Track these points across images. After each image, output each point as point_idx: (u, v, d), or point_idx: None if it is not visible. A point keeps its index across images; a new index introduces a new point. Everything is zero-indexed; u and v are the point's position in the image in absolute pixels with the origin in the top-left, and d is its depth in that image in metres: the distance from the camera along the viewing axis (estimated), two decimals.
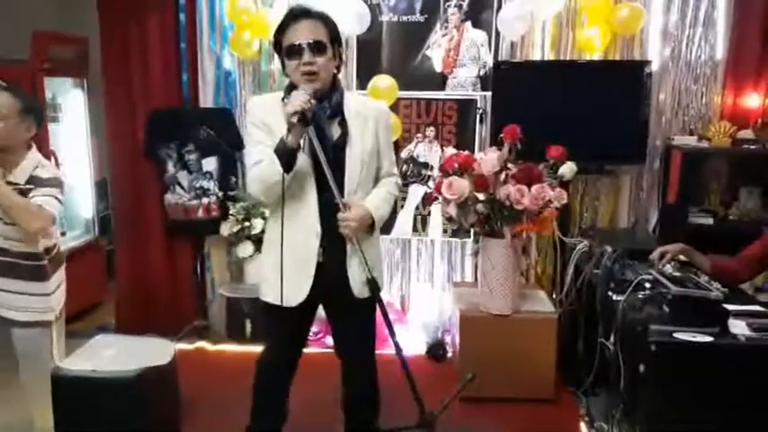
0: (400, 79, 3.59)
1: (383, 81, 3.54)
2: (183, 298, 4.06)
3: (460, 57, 3.66)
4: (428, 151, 3.77)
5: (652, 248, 2.73)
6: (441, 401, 2.24)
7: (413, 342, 3.80)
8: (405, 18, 3.67)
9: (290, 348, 2.32)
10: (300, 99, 1.92)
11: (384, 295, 3.88)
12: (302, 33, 2.02)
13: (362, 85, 3.62)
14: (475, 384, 3.01)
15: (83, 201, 4.65)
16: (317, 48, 2.02)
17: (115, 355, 2.71)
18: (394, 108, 3.61)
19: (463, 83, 3.69)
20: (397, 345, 2.11)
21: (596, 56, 3.55)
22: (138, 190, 3.95)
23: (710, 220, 3.48)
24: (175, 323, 3.93)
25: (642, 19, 3.45)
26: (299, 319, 2.23)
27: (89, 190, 4.65)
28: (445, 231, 3.83)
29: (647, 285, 2.50)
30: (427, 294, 3.93)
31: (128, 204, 4.00)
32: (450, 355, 3.68)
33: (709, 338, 2.19)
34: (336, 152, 2.08)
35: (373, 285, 2.08)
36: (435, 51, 3.68)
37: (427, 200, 3.48)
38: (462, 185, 2.88)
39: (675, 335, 2.21)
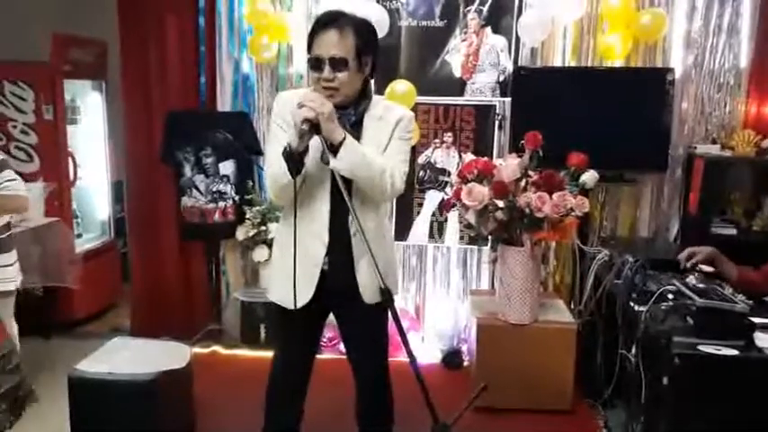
0: (419, 84, 3.57)
1: (401, 86, 3.52)
2: (197, 301, 4.06)
3: (480, 62, 3.64)
4: (446, 157, 3.74)
5: (673, 258, 2.69)
6: (455, 412, 2.20)
7: (428, 351, 3.77)
8: (424, 23, 3.65)
9: (297, 352, 2.28)
10: (314, 106, 1.85)
11: (398, 302, 3.90)
12: (325, 46, 1.93)
13: (380, 89, 3.60)
14: (491, 394, 2.99)
15: (99, 202, 4.68)
16: (339, 64, 1.93)
17: (131, 357, 2.71)
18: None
19: (482, 88, 3.66)
20: (411, 355, 2.07)
21: (617, 63, 3.51)
22: (154, 193, 3.97)
23: (733, 231, 3.42)
24: (189, 327, 3.92)
25: (664, 26, 3.41)
26: (304, 323, 2.19)
27: (105, 192, 4.68)
28: (462, 238, 3.80)
29: (671, 296, 2.45)
30: (443, 302, 3.89)
31: (143, 207, 4.01)
32: (466, 364, 3.65)
33: (734, 351, 2.14)
34: None
35: (387, 295, 2.00)
36: (454, 56, 3.66)
37: (445, 206, 3.45)
38: (482, 192, 2.85)
39: (700, 347, 2.17)
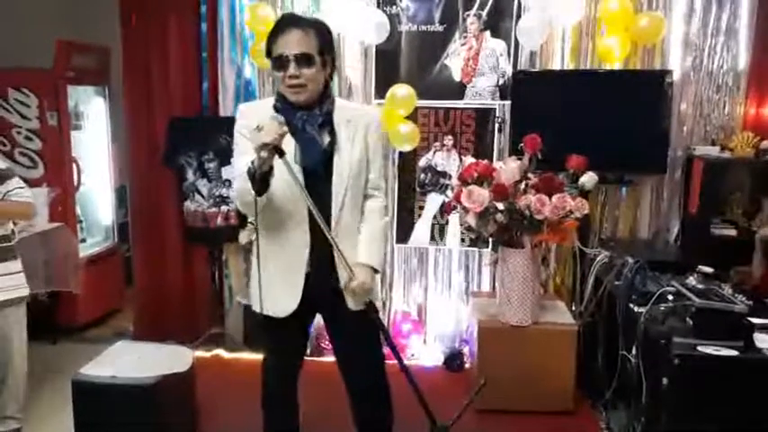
0: (419, 88, 3.58)
1: (402, 90, 3.54)
2: (200, 305, 4.07)
3: (479, 66, 3.65)
4: (446, 160, 3.76)
5: (673, 260, 2.71)
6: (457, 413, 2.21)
7: (430, 353, 3.79)
8: (424, 28, 3.67)
9: (287, 355, 2.31)
10: (271, 131, 1.83)
11: (401, 305, 3.92)
12: (290, 44, 1.97)
13: (381, 94, 3.63)
14: (492, 396, 3.01)
15: (103, 207, 4.70)
16: (304, 60, 1.97)
17: (134, 361, 2.73)
18: (412, 117, 3.61)
19: (482, 92, 3.68)
20: (401, 362, 2.10)
21: (616, 65, 3.52)
22: (156, 197, 3.99)
23: (733, 232, 3.43)
24: (192, 330, 3.95)
25: (663, 29, 3.42)
26: (291, 329, 2.21)
27: (109, 197, 4.71)
28: (463, 241, 3.81)
29: (670, 297, 2.48)
30: (445, 304, 3.90)
31: (146, 211, 4.04)
32: (467, 366, 3.65)
33: (733, 352, 2.17)
34: (325, 160, 2.07)
35: (369, 307, 2.07)
36: (454, 61, 3.68)
37: (446, 209, 3.47)
38: (482, 195, 2.87)
39: (699, 348, 2.18)
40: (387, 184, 2.28)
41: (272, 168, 1.89)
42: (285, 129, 1.87)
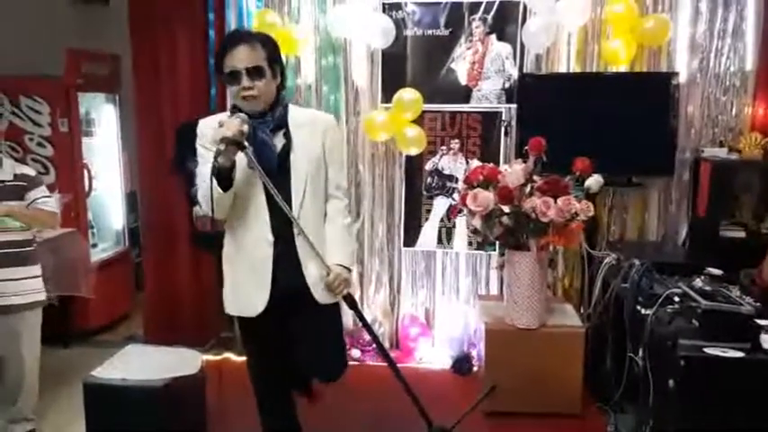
0: (425, 92, 3.60)
1: (408, 94, 3.56)
2: (209, 309, 4.08)
3: (485, 69, 3.67)
4: (453, 164, 3.78)
5: (681, 262, 2.69)
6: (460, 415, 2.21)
7: (438, 357, 3.79)
8: (429, 32, 3.69)
9: (267, 355, 2.36)
10: (232, 126, 1.96)
11: (408, 309, 3.93)
12: (240, 58, 2.07)
13: (387, 98, 3.65)
14: (500, 398, 3.01)
15: (113, 213, 4.75)
16: (256, 72, 2.08)
17: (144, 364, 2.77)
18: (419, 121, 3.63)
19: (488, 95, 3.69)
20: (386, 355, 2.13)
21: (622, 68, 3.52)
22: (166, 202, 4.03)
23: (742, 233, 3.41)
24: (202, 334, 3.98)
25: (668, 31, 3.42)
26: (267, 329, 2.27)
27: (120, 202, 4.76)
28: (470, 244, 3.81)
29: (677, 299, 2.47)
30: (452, 308, 3.90)
31: (156, 217, 4.08)
32: (476, 369, 3.65)
33: (740, 354, 2.16)
34: (281, 162, 2.16)
35: (349, 301, 2.16)
36: (460, 64, 3.69)
37: (452, 212, 3.48)
38: (487, 198, 2.88)
39: (705, 350, 2.18)
40: (351, 186, 2.41)
41: (234, 164, 2.02)
42: (245, 127, 1.99)
